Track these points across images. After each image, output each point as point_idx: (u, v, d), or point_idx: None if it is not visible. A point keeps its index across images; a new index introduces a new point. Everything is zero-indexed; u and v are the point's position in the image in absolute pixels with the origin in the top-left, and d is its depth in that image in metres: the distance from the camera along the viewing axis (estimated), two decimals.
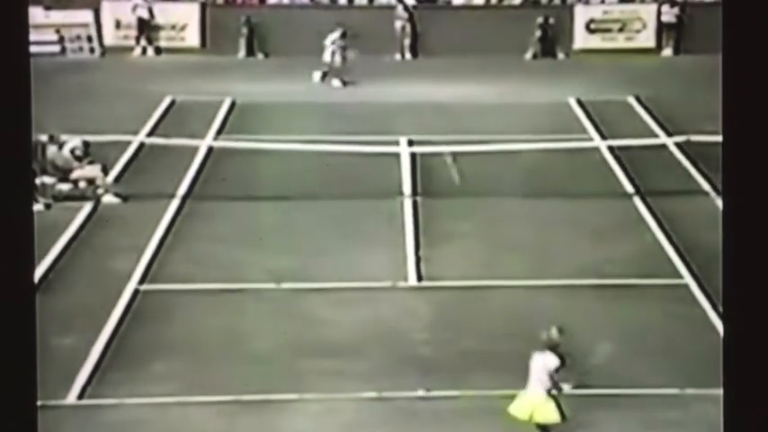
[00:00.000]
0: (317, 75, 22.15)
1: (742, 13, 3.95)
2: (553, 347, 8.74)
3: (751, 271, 3.94)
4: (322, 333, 11.34)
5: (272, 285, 12.41)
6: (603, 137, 18.14)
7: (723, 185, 4.11)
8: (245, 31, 25.21)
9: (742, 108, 3.96)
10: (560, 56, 25.35)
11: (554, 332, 8.82)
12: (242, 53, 25.25)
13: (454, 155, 15.96)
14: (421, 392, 10.07)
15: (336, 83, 21.93)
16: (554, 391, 8.73)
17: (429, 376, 10.37)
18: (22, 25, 3.86)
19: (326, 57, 22.27)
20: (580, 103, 20.36)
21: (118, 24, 25.22)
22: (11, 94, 3.76)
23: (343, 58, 22.17)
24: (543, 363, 8.74)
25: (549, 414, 8.71)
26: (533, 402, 8.75)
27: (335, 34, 22.30)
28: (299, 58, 23.98)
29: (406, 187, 15.74)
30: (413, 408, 9.92)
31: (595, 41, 25.53)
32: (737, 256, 3.95)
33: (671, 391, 10.04)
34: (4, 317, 3.78)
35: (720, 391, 9.69)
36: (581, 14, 25.61)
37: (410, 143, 17.61)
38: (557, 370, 8.68)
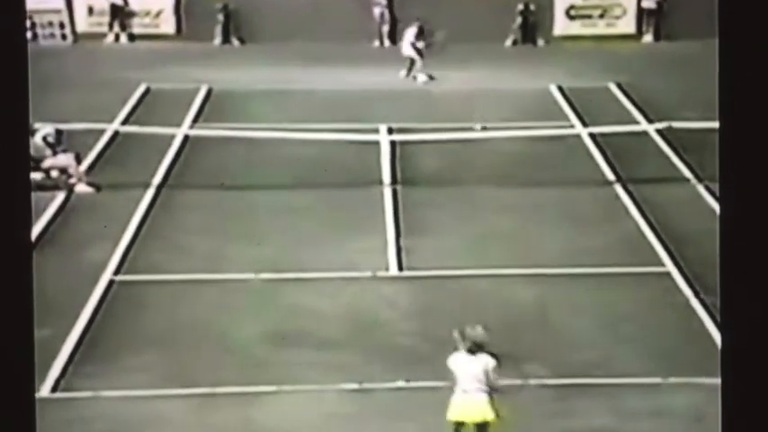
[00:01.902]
0: (402, 72, 21.39)
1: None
2: (482, 347, 8.54)
3: (749, 263, 3.82)
4: (301, 324, 11.18)
5: (250, 275, 12.23)
6: (584, 124, 18.05)
7: (720, 175, 3.99)
8: (221, 17, 24.94)
9: (738, 95, 3.85)
10: (540, 42, 25.23)
11: (480, 330, 8.60)
12: (218, 40, 24.99)
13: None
14: (401, 383, 9.94)
15: (422, 77, 21.25)
16: (494, 392, 8.54)
17: (410, 366, 10.23)
18: (20, 15, 3.72)
19: (406, 51, 21.56)
20: (561, 89, 20.25)
21: (90, 11, 24.89)
22: (8, 86, 3.60)
23: (420, 52, 21.38)
24: (480, 365, 8.50)
25: (489, 414, 8.55)
26: (477, 405, 8.51)
27: (413, 29, 21.65)
28: (275, 44, 23.78)
29: (386, 176, 15.58)
30: (394, 398, 9.78)
31: (576, 28, 25.44)
32: (735, 247, 3.83)
33: (653, 380, 9.95)
34: (2, 311, 3.64)
35: (703, 380, 9.59)
36: (561, 1, 25.51)
37: (390, 131, 17.45)
38: (494, 370, 8.51)
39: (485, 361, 8.50)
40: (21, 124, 3.73)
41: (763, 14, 3.79)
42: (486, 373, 8.46)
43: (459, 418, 8.53)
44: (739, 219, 3.88)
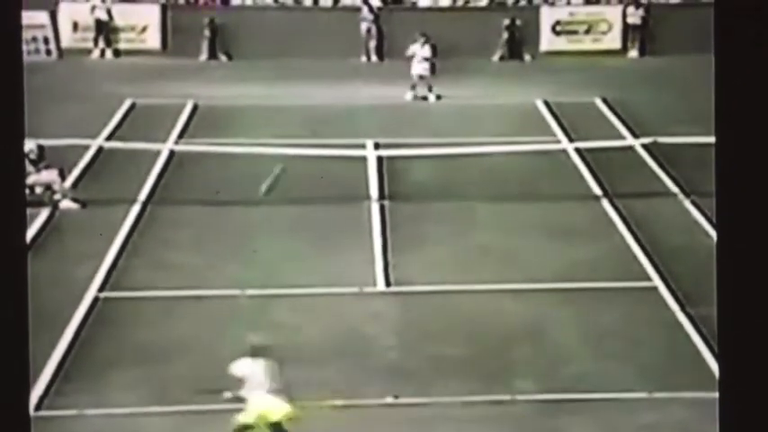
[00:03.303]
0: (409, 94, 21.06)
1: (734, 13, 3.83)
2: (262, 353, 8.70)
3: (745, 275, 3.81)
4: (288, 340, 11.10)
5: (236, 292, 12.16)
6: (571, 139, 18.07)
7: (716, 188, 3.98)
8: (207, 33, 24.90)
9: (735, 109, 3.84)
10: (527, 58, 25.30)
11: (260, 337, 8.84)
12: (204, 56, 24.95)
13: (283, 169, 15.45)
14: (389, 399, 9.89)
15: (432, 97, 21.02)
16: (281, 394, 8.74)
17: (397, 383, 10.19)
18: (15, 28, 3.69)
19: (414, 70, 21.18)
20: (547, 104, 20.30)
21: (75, 26, 24.80)
22: (2, 98, 3.58)
23: (432, 69, 21.11)
24: (267, 368, 8.70)
25: (285, 410, 8.73)
26: (269, 406, 8.71)
27: (417, 45, 21.39)
28: (262, 60, 23.75)
29: (373, 191, 15.55)
30: (381, 415, 9.73)
31: (562, 43, 25.51)
32: (731, 258, 3.82)
33: (640, 395, 9.93)
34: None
35: (690, 395, 9.57)
36: (547, 16, 25.59)
37: (376, 146, 17.43)
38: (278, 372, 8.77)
39: (269, 365, 8.68)
40: (16, 136, 3.69)
41: (758, 30, 3.79)
42: (273, 376, 8.63)
43: (252, 420, 8.71)
44: (735, 231, 3.86)
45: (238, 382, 8.65)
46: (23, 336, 3.73)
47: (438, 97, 21.25)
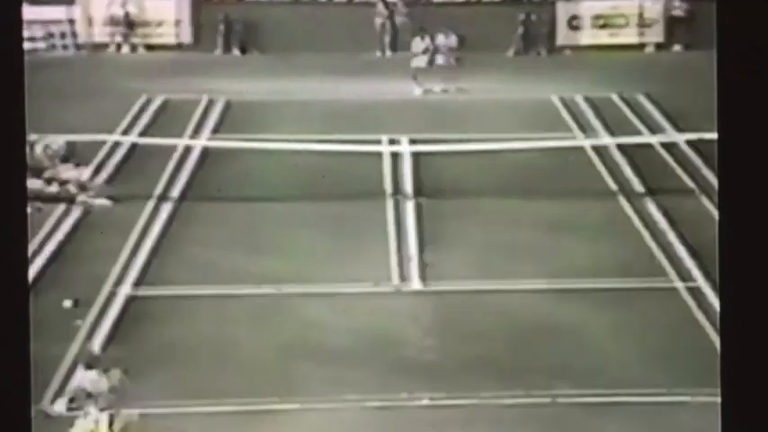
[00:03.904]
0: (417, 89, 21.21)
1: (735, 9, 3.86)
2: (96, 363, 8.51)
3: (748, 270, 3.85)
4: (322, 339, 11.16)
5: (269, 290, 12.20)
6: (612, 134, 18.03)
7: (718, 184, 4.02)
8: (222, 28, 24.94)
9: (737, 105, 3.88)
10: (542, 53, 25.30)
11: (95, 347, 8.62)
12: (220, 50, 24.97)
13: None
14: (426, 401, 9.93)
15: (437, 88, 21.14)
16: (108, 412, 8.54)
17: (433, 383, 10.21)
18: (16, 23, 3.72)
19: (415, 63, 21.38)
20: (563, 100, 20.31)
21: (103, 21, 24.84)
22: (4, 94, 3.61)
23: (431, 63, 21.25)
24: (108, 379, 8.54)
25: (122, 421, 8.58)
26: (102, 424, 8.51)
27: (452, 38, 21.50)
28: (278, 54, 23.75)
29: (407, 187, 15.54)
30: (417, 416, 9.77)
31: (578, 38, 25.50)
32: (733, 254, 3.86)
33: (682, 398, 9.92)
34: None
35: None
36: (563, 11, 25.57)
37: (391, 142, 17.45)
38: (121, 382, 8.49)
39: (111, 375, 8.54)
40: (18, 134, 3.72)
41: (760, 28, 3.81)
42: (114, 388, 8.47)
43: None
44: (738, 227, 3.89)
45: (81, 393, 8.30)
46: (25, 335, 3.78)
47: (444, 90, 21.24)
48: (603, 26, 25.30)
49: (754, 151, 3.82)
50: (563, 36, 25.46)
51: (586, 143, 17.61)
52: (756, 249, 3.82)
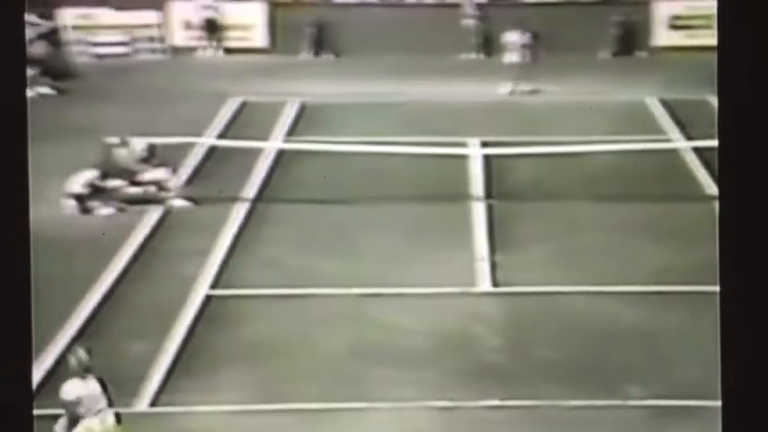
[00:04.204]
0: (505, 88, 21.14)
1: (738, 10, 3.69)
2: (87, 371, 8.34)
3: (750, 276, 3.67)
4: (392, 340, 11.17)
5: (342, 291, 12.25)
6: (687, 137, 17.64)
7: (719, 188, 3.86)
8: (311, 30, 25.15)
9: (739, 109, 3.71)
10: (639, 53, 24.84)
11: (82, 354, 8.34)
12: (308, 53, 25.20)
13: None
14: (495, 402, 9.84)
15: (524, 87, 21.14)
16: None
17: (502, 385, 10.13)
18: (19, 27, 3.76)
19: (508, 58, 21.34)
20: (659, 102, 19.90)
21: (187, 25, 25.34)
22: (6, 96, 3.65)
23: (534, 58, 21.18)
24: (96, 388, 8.29)
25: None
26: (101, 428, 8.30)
27: (514, 35, 21.49)
28: (368, 57, 23.86)
29: (477, 190, 15.47)
30: (486, 418, 9.69)
31: (677, 38, 24.90)
32: (736, 260, 3.70)
33: None
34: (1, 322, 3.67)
35: None
36: (662, 10, 25.04)
37: (482, 144, 17.33)
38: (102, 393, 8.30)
39: (95, 385, 8.36)
40: (19, 134, 3.73)
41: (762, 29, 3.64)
42: (96, 397, 8.30)
43: None
44: (740, 233, 3.72)
45: (73, 405, 8.21)
46: (26, 335, 3.77)
47: (532, 90, 21.03)
48: (705, 26, 24.67)
49: (755, 154, 3.66)
50: (661, 36, 24.93)
51: (680, 145, 17.23)
52: (759, 253, 3.66)
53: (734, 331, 3.72)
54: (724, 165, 3.77)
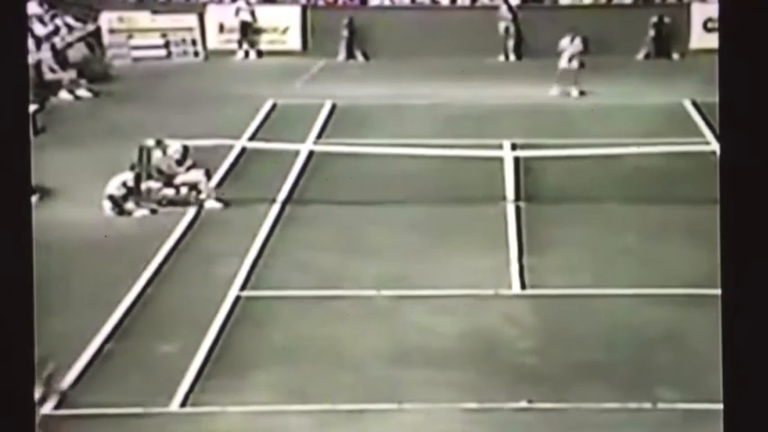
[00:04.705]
0: (555, 88, 21.29)
1: (740, 11, 3.66)
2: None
3: (752, 277, 3.62)
4: (422, 341, 11.18)
5: (372, 292, 12.29)
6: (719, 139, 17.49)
7: (720, 189, 3.83)
8: (345, 33, 25.21)
9: (740, 111, 3.67)
10: (675, 56, 24.66)
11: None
12: (342, 56, 25.26)
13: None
14: (524, 404, 9.83)
15: (574, 92, 21.18)
16: None
17: (532, 387, 10.12)
18: (21, 26, 3.80)
19: (563, 64, 21.44)
20: (695, 104, 19.76)
21: (221, 28, 25.50)
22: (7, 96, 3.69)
23: (581, 64, 21.31)
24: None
25: None
26: None
27: (567, 40, 21.56)
28: (400, 59, 23.88)
29: (509, 192, 15.45)
30: (515, 419, 9.69)
31: (713, 41, 24.57)
32: (738, 264, 3.65)
33: None
34: (4, 322, 3.70)
35: None
36: (698, 13, 24.83)
37: (513, 147, 17.30)
38: None
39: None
40: (21, 134, 3.76)
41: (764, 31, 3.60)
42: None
43: None
44: (742, 236, 3.68)
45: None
46: (29, 334, 3.80)
47: (581, 93, 20.98)
48: (714, 30, 24.46)
49: (757, 155, 3.63)
50: (698, 38, 24.72)
51: (717, 148, 17.08)
52: (761, 256, 3.63)
53: (736, 335, 3.69)
54: (725, 166, 3.75)
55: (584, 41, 21.43)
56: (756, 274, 3.65)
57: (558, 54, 21.42)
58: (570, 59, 21.36)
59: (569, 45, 21.45)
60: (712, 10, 24.78)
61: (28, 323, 3.71)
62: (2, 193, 3.67)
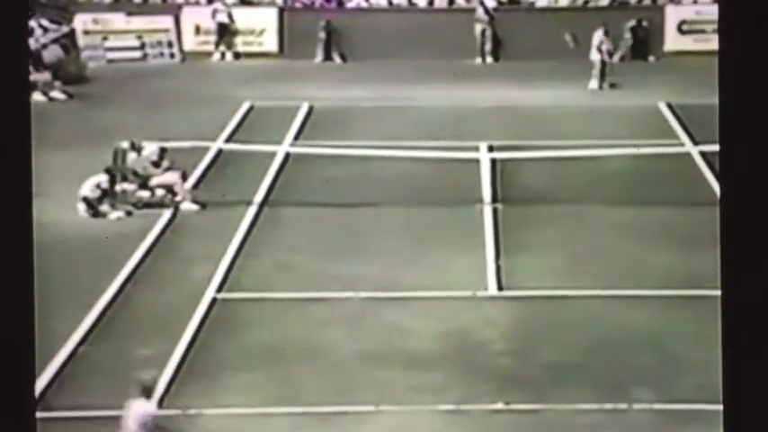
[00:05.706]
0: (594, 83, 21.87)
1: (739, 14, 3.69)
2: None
3: (752, 279, 3.65)
4: (400, 343, 11.17)
5: (350, 294, 12.27)
6: (694, 142, 17.60)
7: (720, 190, 3.84)
8: (323, 35, 25.18)
9: (740, 113, 3.70)
10: (651, 58, 24.78)
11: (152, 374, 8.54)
12: (319, 58, 25.23)
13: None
14: (500, 405, 9.84)
15: (605, 85, 21.76)
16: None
17: (508, 389, 10.13)
18: (22, 29, 3.77)
19: (593, 56, 22.03)
20: (670, 106, 19.86)
21: (198, 30, 25.40)
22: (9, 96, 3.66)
23: (610, 56, 22.00)
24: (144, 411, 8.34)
25: None
26: None
27: (599, 34, 22.04)
28: (378, 62, 23.87)
29: (486, 194, 15.47)
30: (492, 421, 9.70)
31: (687, 43, 24.78)
32: (738, 264, 3.66)
33: None
34: (4, 326, 3.67)
35: None
36: (672, 15, 24.95)
37: (490, 149, 17.33)
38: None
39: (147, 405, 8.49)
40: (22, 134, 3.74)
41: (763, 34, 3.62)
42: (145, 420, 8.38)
43: None
44: (741, 234, 3.69)
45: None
46: (29, 334, 3.78)
47: (612, 85, 21.67)
48: (715, 31, 24.55)
49: (757, 156, 3.64)
50: (672, 41, 24.84)
51: (692, 149, 17.17)
52: (761, 256, 3.64)
53: (735, 335, 3.70)
54: (725, 168, 3.76)
55: (606, 32, 22.00)
56: (756, 274, 3.66)
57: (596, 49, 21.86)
58: (598, 50, 21.89)
59: (604, 38, 21.99)
60: (686, 12, 24.93)
61: (28, 323, 3.69)
62: (2, 192, 3.65)
